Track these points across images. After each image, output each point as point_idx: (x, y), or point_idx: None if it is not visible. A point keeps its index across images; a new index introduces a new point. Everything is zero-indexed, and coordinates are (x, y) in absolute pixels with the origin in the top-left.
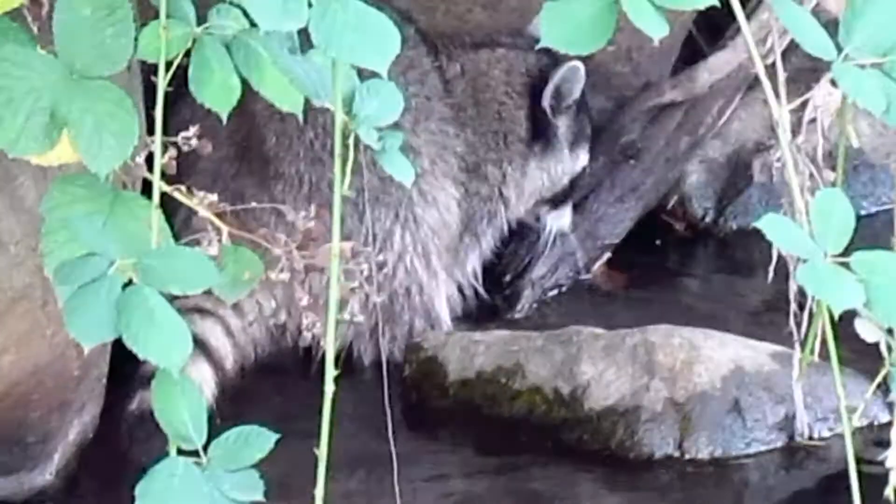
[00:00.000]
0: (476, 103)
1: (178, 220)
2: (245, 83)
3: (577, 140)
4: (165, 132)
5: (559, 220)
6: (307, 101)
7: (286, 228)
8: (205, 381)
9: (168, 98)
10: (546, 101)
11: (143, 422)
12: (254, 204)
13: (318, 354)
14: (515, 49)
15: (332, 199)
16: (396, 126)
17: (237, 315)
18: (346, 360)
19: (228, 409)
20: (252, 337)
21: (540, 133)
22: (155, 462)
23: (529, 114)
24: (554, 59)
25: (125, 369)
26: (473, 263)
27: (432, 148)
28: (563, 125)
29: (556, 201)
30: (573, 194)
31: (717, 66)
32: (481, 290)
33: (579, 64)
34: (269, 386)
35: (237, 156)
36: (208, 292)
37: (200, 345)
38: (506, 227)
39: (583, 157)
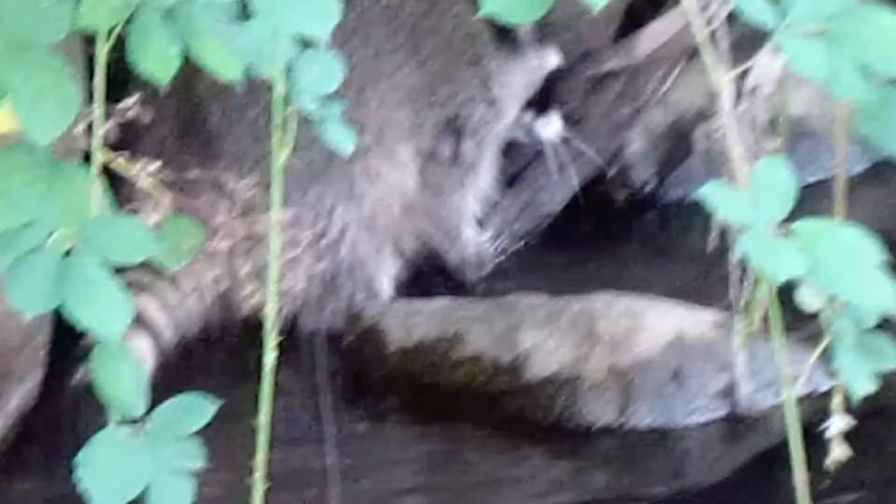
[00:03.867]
0: (428, 26)
1: (122, 193)
2: (185, 54)
3: (541, 39)
4: (108, 102)
5: (548, 127)
6: (247, 73)
7: (226, 199)
8: (143, 354)
9: (114, 75)
10: None
11: (87, 394)
12: (194, 172)
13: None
14: None
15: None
16: (338, 97)
17: (174, 288)
18: (289, 331)
19: (171, 381)
20: (191, 309)
21: (503, 36)
22: (96, 432)
23: (488, 21)
24: None
25: (69, 338)
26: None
27: (378, 118)
28: (522, 28)
29: (540, 105)
30: (555, 100)
31: (656, 33)
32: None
33: None
34: (212, 357)
35: (180, 133)
36: (145, 267)
37: (137, 318)
38: (499, 141)
39: (553, 56)
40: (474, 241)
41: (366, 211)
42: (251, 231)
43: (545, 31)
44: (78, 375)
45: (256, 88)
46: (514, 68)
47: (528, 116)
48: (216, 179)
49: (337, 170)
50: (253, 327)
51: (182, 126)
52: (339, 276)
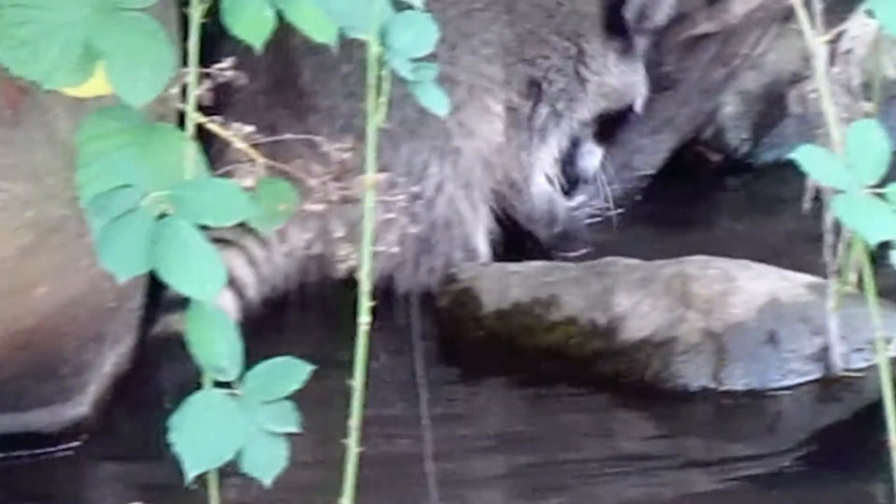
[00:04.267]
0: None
1: (212, 152)
2: (279, 15)
3: (647, 67)
4: (202, 64)
5: (590, 157)
6: (342, 35)
7: (320, 161)
8: (227, 308)
9: (207, 32)
10: (629, 13)
11: (167, 345)
12: (288, 135)
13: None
14: None
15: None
16: (432, 57)
17: (261, 246)
18: (384, 292)
19: (264, 343)
20: (277, 268)
21: (619, 33)
22: (188, 393)
23: (608, 16)
24: None
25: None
26: (556, 144)
27: (471, 73)
28: (640, 43)
29: (605, 128)
30: (614, 131)
31: None
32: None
33: None
34: (305, 318)
35: (272, 89)
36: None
37: None
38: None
39: (645, 90)
40: (545, 199)
41: (461, 167)
42: (346, 193)
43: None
44: (158, 329)
45: (348, 45)
46: (616, 67)
47: (589, 135)
48: (310, 141)
49: (431, 125)
50: (347, 288)
51: (273, 82)
52: (434, 236)
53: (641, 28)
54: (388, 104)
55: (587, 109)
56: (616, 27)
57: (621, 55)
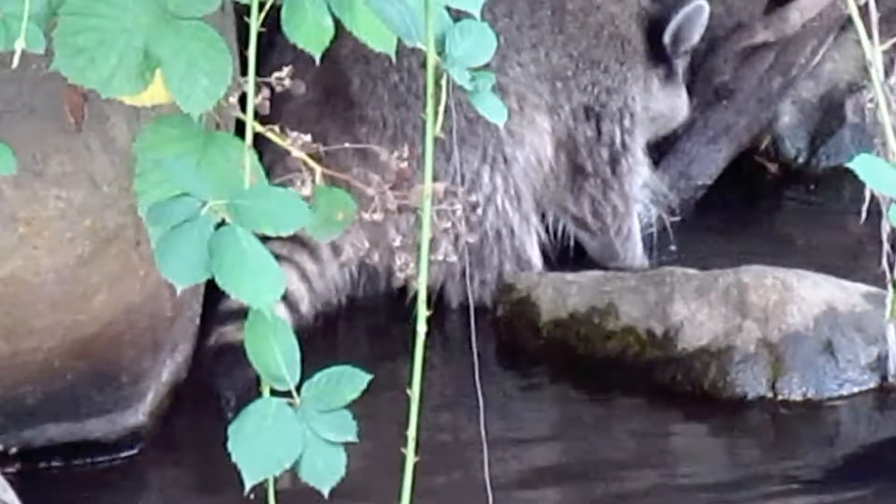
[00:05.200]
0: (574, 7)
1: (266, 161)
2: (337, 24)
3: (689, 87)
4: (258, 73)
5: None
6: (396, 43)
7: (372, 170)
8: None
9: (261, 40)
10: (667, 37)
11: (221, 356)
12: (347, 145)
13: (410, 295)
14: None
15: (417, 141)
16: (486, 66)
17: (314, 261)
18: (437, 302)
19: (320, 351)
20: (330, 282)
21: (661, 60)
22: (245, 402)
23: (647, 44)
24: (670, 3)
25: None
26: (636, 176)
27: (520, 85)
28: (680, 66)
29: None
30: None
31: (808, 5)
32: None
33: (704, 3)
34: (361, 327)
35: (322, 99)
36: (285, 237)
37: None
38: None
39: (687, 113)
40: (636, 227)
41: (511, 177)
42: (403, 202)
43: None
44: (212, 340)
45: (397, 55)
46: (663, 95)
47: None
48: (360, 151)
49: (480, 134)
50: (402, 298)
51: (322, 92)
52: (486, 247)
53: (679, 50)
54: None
55: (641, 135)
56: (657, 53)
57: (664, 80)
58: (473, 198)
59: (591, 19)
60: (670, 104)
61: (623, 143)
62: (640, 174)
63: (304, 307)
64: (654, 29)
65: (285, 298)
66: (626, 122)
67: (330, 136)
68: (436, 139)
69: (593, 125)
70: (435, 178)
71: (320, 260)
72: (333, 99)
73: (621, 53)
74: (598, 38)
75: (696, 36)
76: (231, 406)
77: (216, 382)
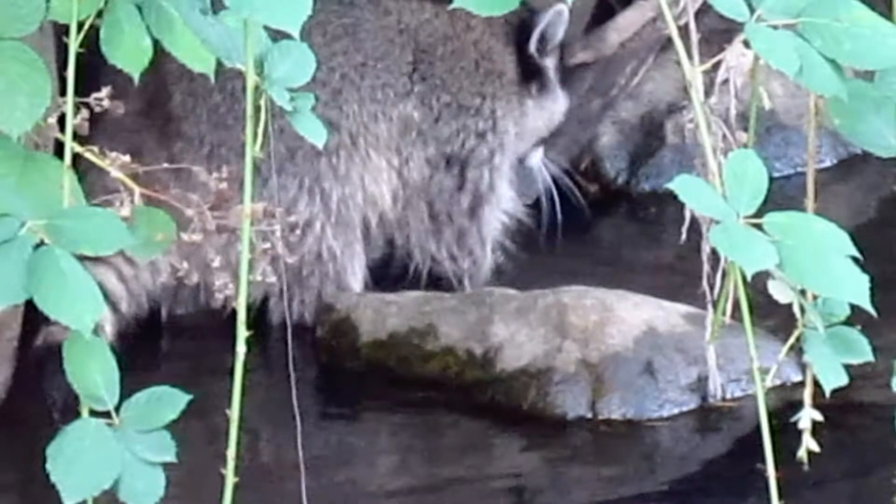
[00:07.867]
0: (445, 52)
1: (89, 181)
2: (157, 44)
3: (563, 79)
4: (79, 93)
5: (535, 157)
6: (218, 64)
7: (186, 188)
8: (104, 321)
9: (83, 60)
10: (532, 47)
11: (50, 355)
12: (165, 165)
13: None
14: None
15: (232, 161)
16: (313, 96)
17: (128, 263)
18: (258, 320)
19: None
20: (144, 285)
21: (531, 75)
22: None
23: (516, 58)
24: (531, 9)
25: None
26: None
27: (355, 123)
28: (550, 66)
29: (545, 140)
30: None
31: (625, 25)
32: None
33: (563, 7)
34: (182, 347)
35: (142, 110)
36: None
37: None
38: (511, 170)
39: (566, 105)
40: (490, 260)
41: (332, 206)
42: (222, 223)
43: (563, 71)
44: (39, 340)
45: (221, 75)
46: (539, 110)
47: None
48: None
49: (299, 164)
50: (225, 318)
51: (143, 104)
52: (305, 269)
53: (546, 50)
54: (262, 136)
55: (515, 152)
56: (527, 67)
57: (538, 93)
58: (292, 218)
59: (463, 62)
60: (548, 115)
61: (490, 184)
62: (503, 207)
63: (124, 306)
64: (518, 40)
65: (106, 298)
66: (497, 160)
67: (145, 147)
68: (254, 161)
69: (455, 173)
70: (253, 200)
71: (134, 263)
72: (153, 111)
73: (499, 89)
74: (471, 80)
75: (560, 34)
76: (58, 407)
77: (44, 383)
